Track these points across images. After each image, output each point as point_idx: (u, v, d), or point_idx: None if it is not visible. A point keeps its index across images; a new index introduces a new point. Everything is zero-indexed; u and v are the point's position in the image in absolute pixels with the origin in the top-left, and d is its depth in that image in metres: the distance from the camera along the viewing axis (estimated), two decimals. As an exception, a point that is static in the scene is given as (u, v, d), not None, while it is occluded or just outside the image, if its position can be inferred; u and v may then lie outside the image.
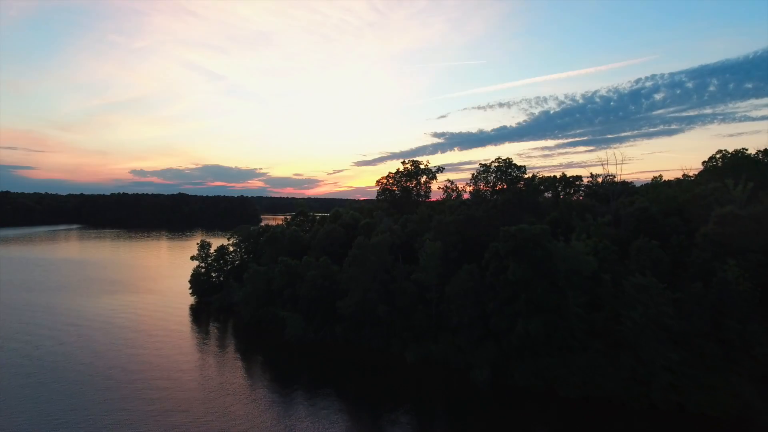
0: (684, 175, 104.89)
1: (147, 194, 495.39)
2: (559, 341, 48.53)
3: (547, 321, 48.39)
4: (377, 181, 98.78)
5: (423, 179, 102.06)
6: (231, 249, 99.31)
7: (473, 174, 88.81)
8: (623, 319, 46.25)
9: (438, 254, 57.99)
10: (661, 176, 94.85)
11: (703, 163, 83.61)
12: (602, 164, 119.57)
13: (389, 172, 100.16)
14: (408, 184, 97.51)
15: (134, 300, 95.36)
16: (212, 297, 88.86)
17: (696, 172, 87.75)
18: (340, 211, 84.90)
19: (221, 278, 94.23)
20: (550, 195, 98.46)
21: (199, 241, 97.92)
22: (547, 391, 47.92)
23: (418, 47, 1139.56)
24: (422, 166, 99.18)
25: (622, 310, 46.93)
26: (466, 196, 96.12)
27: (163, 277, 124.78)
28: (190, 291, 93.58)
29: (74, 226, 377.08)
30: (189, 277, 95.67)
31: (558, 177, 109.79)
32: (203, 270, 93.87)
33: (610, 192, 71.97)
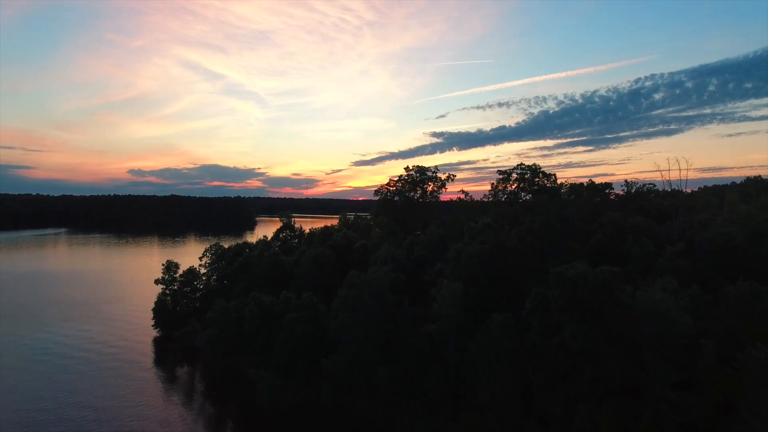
0: (731, 182, 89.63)
1: (138, 196, 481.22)
2: (641, 437, 33.37)
3: (623, 408, 33.25)
4: (376, 191, 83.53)
5: (429, 187, 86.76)
6: (203, 272, 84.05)
7: (492, 183, 73.66)
8: (742, 413, 31.10)
9: (458, 298, 42.76)
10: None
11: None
12: (659, 170, 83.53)
13: (390, 179, 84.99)
14: (412, 194, 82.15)
15: (90, 332, 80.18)
16: (177, 332, 73.62)
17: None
18: (331, 230, 69.77)
19: (191, 305, 78.90)
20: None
21: (165, 262, 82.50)
22: None
23: (417, 46, 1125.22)
24: (429, 173, 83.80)
25: (738, 398, 31.78)
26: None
27: (136, 296, 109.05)
28: (153, 323, 78.15)
29: (62, 230, 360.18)
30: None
31: (585, 184, 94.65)
32: (169, 298, 78.46)
33: (671, 208, 56.52)
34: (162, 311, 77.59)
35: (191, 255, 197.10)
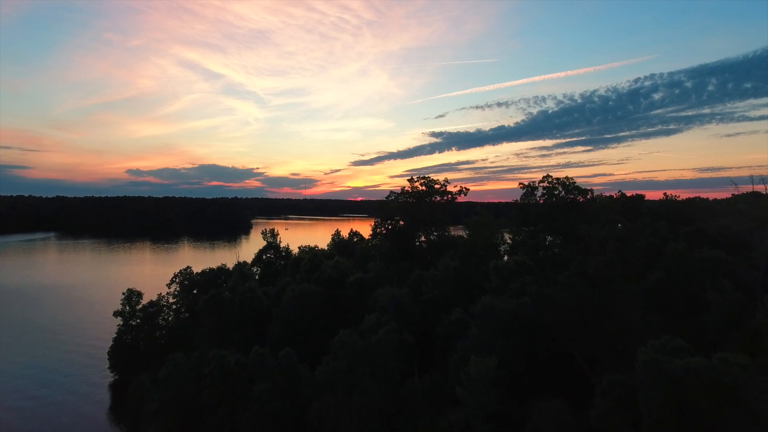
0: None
1: (132, 197, 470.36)
2: None
3: None
4: (375, 208, 70.73)
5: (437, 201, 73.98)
6: (171, 301, 71.40)
7: (516, 201, 61.12)
8: None
9: (490, 380, 30.24)
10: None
11: None
12: (733, 183, 65.03)
13: (390, 192, 72.28)
14: (418, 213, 69.28)
15: (39, 371, 68.04)
16: (136, 378, 61.12)
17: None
18: (320, 257, 56.93)
19: (156, 343, 66.14)
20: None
21: (125, 291, 69.79)
22: None
23: (417, 46, 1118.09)
24: (437, 186, 70.99)
25: None
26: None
27: (105, 320, 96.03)
28: (109, 365, 65.49)
29: (51, 234, 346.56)
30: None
31: (615, 196, 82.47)
32: (128, 336, 65.74)
33: (756, 235, 43.87)
34: (120, 351, 64.98)
35: (181, 264, 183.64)
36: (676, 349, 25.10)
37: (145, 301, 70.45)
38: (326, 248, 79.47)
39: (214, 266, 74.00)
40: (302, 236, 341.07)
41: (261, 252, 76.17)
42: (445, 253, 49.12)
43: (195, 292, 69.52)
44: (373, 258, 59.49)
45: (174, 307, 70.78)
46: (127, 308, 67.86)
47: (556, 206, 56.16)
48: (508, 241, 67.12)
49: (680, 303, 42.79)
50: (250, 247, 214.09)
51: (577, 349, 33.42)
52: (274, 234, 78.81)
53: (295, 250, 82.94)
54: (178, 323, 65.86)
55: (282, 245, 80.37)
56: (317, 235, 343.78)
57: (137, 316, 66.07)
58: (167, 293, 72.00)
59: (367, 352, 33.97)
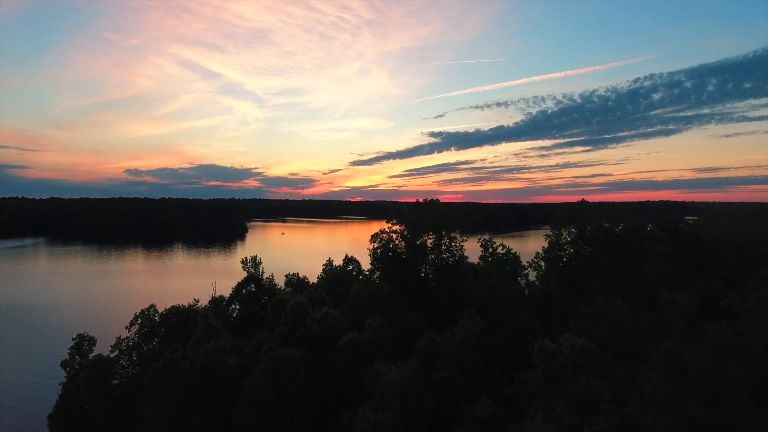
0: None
1: (123, 199, 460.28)
2: None
3: None
4: (372, 236, 59.20)
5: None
6: (131, 345, 59.97)
7: (547, 235, 49.75)
8: None
9: None
10: None
11: None
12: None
13: (395, 221, 60.60)
14: (424, 239, 57.80)
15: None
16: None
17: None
18: (303, 305, 45.12)
19: (107, 405, 54.67)
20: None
21: (75, 336, 58.52)
22: None
23: (416, 45, 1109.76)
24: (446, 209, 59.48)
25: None
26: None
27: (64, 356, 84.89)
28: (49, 427, 54.10)
29: (39, 240, 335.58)
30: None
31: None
32: (75, 396, 54.19)
33: None
34: (64, 416, 53.45)
35: (169, 278, 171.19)
36: None
37: (102, 342, 59.81)
38: (316, 280, 67.97)
39: (185, 303, 62.85)
40: (298, 241, 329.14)
41: (240, 285, 64.65)
42: (465, 312, 37.98)
43: (163, 330, 58.20)
44: (370, 303, 48.18)
45: (134, 356, 59.31)
46: (77, 359, 56.56)
47: (598, 244, 45.08)
48: (530, 276, 56.08)
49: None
50: (240, 260, 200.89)
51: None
52: (256, 263, 67.37)
53: (284, 268, 72.44)
54: (134, 383, 54.36)
55: (265, 275, 68.89)
56: (314, 241, 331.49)
57: (87, 371, 54.47)
58: (127, 337, 60.57)
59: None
